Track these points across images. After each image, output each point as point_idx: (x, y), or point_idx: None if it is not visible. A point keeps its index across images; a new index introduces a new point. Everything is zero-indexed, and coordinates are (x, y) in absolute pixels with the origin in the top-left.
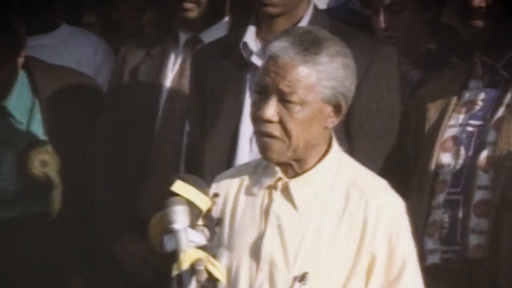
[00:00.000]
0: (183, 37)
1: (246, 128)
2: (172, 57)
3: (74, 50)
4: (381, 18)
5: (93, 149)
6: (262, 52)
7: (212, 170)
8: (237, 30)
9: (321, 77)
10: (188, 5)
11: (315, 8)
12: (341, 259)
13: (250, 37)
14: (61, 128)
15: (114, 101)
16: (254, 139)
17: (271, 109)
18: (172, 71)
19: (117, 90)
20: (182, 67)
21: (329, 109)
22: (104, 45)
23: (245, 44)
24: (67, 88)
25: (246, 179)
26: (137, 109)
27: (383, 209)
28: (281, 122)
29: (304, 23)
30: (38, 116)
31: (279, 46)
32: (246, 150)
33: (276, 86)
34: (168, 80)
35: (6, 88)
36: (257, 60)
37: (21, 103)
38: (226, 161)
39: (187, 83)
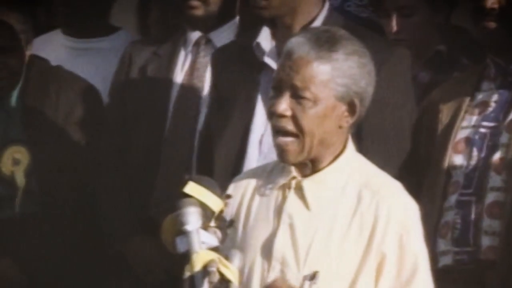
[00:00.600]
0: (192, 37)
1: (257, 130)
2: (181, 57)
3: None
4: (393, 21)
5: (102, 150)
6: (277, 52)
7: (221, 171)
8: (252, 31)
9: (335, 74)
10: (194, 3)
11: (330, 7)
12: (350, 259)
13: (264, 37)
14: (41, 131)
15: (122, 101)
16: (263, 141)
17: (284, 104)
18: (182, 71)
19: (125, 90)
20: (192, 67)
21: (343, 108)
22: None
23: (258, 44)
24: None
25: (261, 181)
26: (146, 109)
27: (394, 209)
28: (294, 117)
29: (318, 22)
30: (18, 116)
31: (295, 42)
32: (255, 152)
33: (289, 81)
34: (178, 79)
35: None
36: (270, 61)
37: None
38: (235, 162)
39: (197, 83)
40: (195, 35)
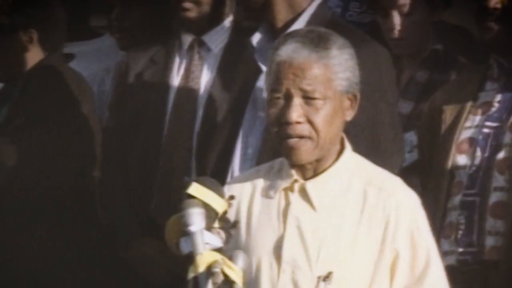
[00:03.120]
0: (186, 40)
1: (244, 130)
2: (176, 61)
3: (103, 60)
4: (394, 20)
5: (103, 154)
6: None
7: (212, 172)
8: (249, 31)
9: (336, 70)
10: (187, 5)
11: (321, 2)
12: (363, 258)
13: (256, 35)
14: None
15: (120, 107)
16: (248, 142)
17: (297, 111)
18: (178, 75)
19: (123, 97)
20: (187, 70)
21: (347, 101)
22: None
23: (250, 42)
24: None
25: (259, 183)
26: (145, 114)
27: (402, 206)
28: (309, 121)
29: (306, 15)
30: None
31: (290, 49)
32: (239, 154)
33: (297, 87)
34: (174, 83)
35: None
36: (259, 58)
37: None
38: (222, 165)
39: (193, 86)
40: (189, 38)
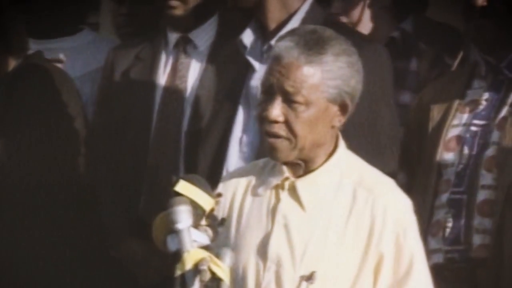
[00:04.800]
0: (172, 38)
1: (237, 129)
2: (163, 59)
3: (93, 55)
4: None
5: (90, 154)
6: (258, 50)
7: (203, 171)
8: (237, 28)
9: (325, 76)
10: (173, 3)
11: (313, 2)
12: (348, 259)
13: (247, 34)
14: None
15: (106, 106)
16: (243, 141)
17: (277, 110)
18: (164, 73)
19: (109, 95)
20: (174, 68)
21: (335, 108)
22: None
23: (241, 41)
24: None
25: (253, 179)
26: (132, 113)
27: (390, 208)
28: (287, 122)
29: (299, 15)
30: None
31: (283, 46)
32: (235, 152)
33: (280, 86)
34: (161, 82)
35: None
36: (250, 58)
37: None
38: (216, 162)
39: (180, 84)
40: (175, 36)
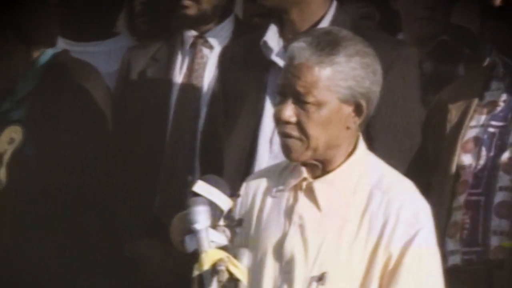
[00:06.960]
0: (188, 38)
1: (267, 129)
2: (179, 59)
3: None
4: None
5: (106, 154)
6: (284, 52)
7: (231, 172)
8: (259, 29)
9: (337, 77)
10: (186, 2)
11: (338, 6)
12: (359, 260)
13: (271, 35)
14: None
15: (123, 106)
16: (273, 140)
17: (289, 110)
18: (180, 73)
19: (126, 96)
20: (190, 68)
21: (349, 109)
22: None
23: (265, 42)
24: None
25: (274, 180)
26: (148, 113)
27: (403, 209)
28: (299, 123)
29: (326, 21)
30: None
31: (296, 47)
32: (266, 151)
33: (292, 87)
34: (177, 81)
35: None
36: (278, 59)
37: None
38: (245, 162)
39: (196, 84)
40: (191, 36)
